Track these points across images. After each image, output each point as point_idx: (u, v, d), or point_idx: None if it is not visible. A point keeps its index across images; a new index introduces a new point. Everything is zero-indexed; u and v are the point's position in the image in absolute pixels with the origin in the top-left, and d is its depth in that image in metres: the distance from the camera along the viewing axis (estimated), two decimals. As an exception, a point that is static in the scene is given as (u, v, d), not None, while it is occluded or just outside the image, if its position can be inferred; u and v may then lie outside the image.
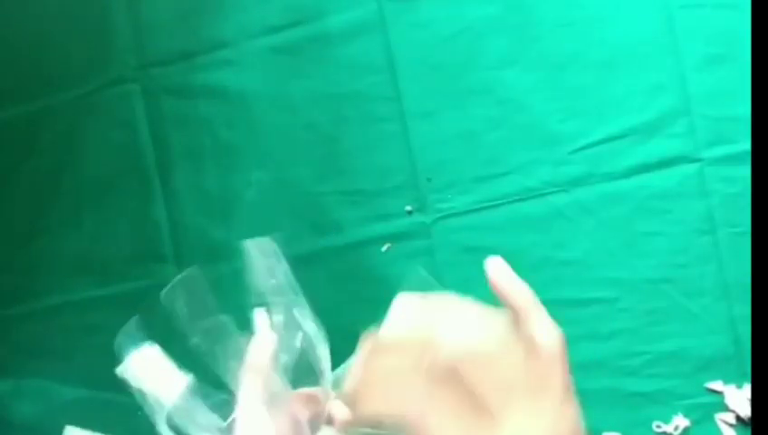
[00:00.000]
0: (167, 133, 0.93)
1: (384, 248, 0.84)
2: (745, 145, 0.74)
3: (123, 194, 0.95)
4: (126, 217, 0.95)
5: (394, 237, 0.84)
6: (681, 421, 0.76)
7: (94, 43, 0.95)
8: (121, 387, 0.97)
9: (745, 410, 0.74)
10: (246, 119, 0.90)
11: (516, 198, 0.80)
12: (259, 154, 0.89)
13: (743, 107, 0.73)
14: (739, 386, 0.75)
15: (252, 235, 0.90)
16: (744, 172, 0.74)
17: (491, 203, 0.81)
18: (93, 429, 0.95)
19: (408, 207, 0.83)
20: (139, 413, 0.97)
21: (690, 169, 0.76)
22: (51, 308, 0.98)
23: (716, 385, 0.76)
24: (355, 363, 0.40)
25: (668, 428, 0.76)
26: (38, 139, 0.98)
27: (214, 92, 0.91)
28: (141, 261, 0.94)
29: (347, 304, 0.82)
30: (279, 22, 0.88)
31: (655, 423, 0.76)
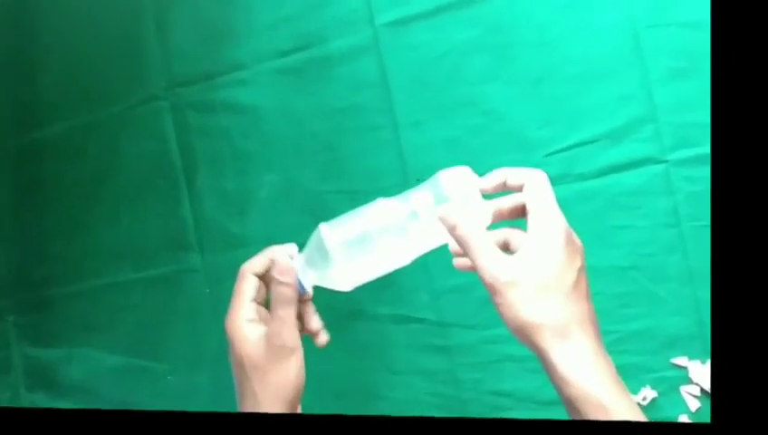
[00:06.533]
0: (191, 142, 0.97)
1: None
2: (706, 148, 0.75)
3: (155, 194, 1.00)
4: (157, 214, 1.00)
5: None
6: (649, 393, 0.78)
7: (129, 67, 0.99)
8: (154, 356, 1.02)
9: (708, 384, 0.76)
10: (259, 129, 0.93)
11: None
12: (270, 159, 0.93)
13: (704, 115, 0.74)
14: (702, 362, 0.77)
15: (264, 228, 0.94)
16: (706, 172, 0.75)
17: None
18: (129, 392, 1.01)
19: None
20: (168, 378, 1.05)
21: (657, 169, 0.77)
22: (95, 289, 1.04)
23: (681, 361, 0.77)
24: None
25: (637, 398, 0.78)
26: (83, 148, 1.04)
27: (231, 107, 0.95)
28: (170, 250, 0.99)
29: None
30: (287, 46, 0.91)
31: (624, 395, 0.79)
